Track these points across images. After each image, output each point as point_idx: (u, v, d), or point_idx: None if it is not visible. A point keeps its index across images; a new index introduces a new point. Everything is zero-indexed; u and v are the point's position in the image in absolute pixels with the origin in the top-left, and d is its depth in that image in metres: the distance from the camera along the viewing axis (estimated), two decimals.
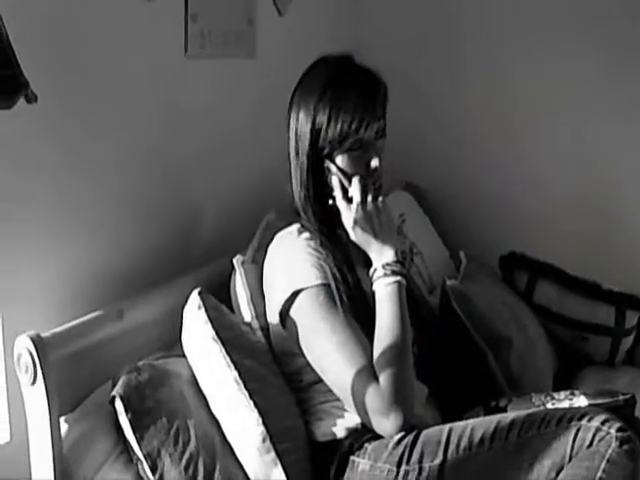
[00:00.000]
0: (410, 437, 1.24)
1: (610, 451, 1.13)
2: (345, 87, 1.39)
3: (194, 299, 1.36)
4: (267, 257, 1.47)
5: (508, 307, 1.92)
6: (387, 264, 1.36)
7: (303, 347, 1.35)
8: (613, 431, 1.14)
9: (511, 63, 2.29)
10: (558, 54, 2.20)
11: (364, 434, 1.30)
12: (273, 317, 1.41)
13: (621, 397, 1.33)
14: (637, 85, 2.14)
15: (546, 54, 2.22)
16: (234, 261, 1.52)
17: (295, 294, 1.35)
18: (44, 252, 1.38)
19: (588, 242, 2.24)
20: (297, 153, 1.42)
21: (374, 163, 1.41)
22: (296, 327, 1.35)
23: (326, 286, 1.35)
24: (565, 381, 1.92)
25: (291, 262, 1.39)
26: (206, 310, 1.34)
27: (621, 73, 2.14)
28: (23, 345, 1.19)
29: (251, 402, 1.27)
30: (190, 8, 1.67)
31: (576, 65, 2.20)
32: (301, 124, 1.41)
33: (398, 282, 1.34)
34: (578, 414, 1.18)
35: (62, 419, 1.25)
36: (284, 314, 1.37)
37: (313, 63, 1.46)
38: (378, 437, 1.28)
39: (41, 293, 1.38)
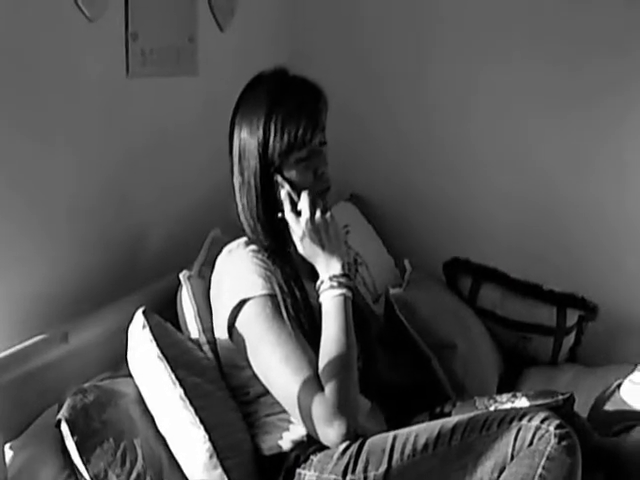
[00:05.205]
0: (355, 446, 1.25)
1: (549, 448, 1.15)
2: (287, 100, 1.40)
3: (138, 318, 1.36)
4: (214, 270, 1.48)
5: (452, 312, 1.96)
6: (334, 276, 1.37)
7: (250, 358, 1.36)
8: (552, 429, 1.16)
9: (441, 69, 2.35)
10: (487, 60, 2.28)
11: (310, 446, 1.31)
12: (220, 329, 1.42)
13: (560, 397, 1.35)
14: (570, 89, 2.20)
15: (474, 63, 2.30)
16: (180, 276, 1.52)
17: (241, 304, 1.36)
18: None
19: (527, 246, 2.29)
20: (242, 172, 1.42)
21: (322, 170, 1.43)
22: (243, 338, 1.36)
23: (272, 297, 1.36)
24: (510, 382, 1.95)
25: (237, 273, 1.40)
26: (150, 329, 1.34)
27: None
28: None
29: (197, 419, 1.28)
30: (130, 26, 1.66)
31: (503, 69, 2.26)
32: (245, 142, 1.41)
33: (344, 295, 1.36)
34: (519, 415, 1.20)
35: (7, 446, 1.23)
36: (231, 325, 1.38)
37: (249, 82, 1.47)
38: (324, 448, 1.29)
39: None
